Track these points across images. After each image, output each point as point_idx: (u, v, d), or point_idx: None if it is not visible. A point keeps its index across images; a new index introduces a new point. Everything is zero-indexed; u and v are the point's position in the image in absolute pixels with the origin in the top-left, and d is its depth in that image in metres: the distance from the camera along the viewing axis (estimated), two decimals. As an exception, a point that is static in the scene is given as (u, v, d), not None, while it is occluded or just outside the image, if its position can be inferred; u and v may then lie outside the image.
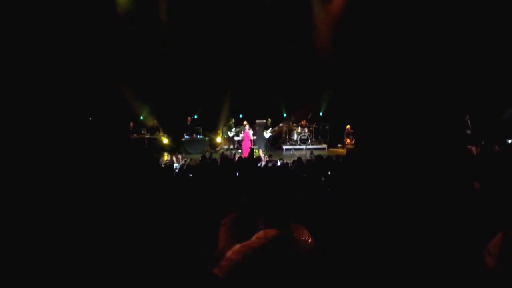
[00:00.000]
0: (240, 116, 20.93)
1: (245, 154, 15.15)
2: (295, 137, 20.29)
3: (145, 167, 8.04)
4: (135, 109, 19.69)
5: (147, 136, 18.73)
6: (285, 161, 10.87)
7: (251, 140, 16.85)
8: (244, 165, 9.42)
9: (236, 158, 11.04)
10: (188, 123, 19.36)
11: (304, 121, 20.43)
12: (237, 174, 8.07)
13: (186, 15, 17.85)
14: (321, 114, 21.28)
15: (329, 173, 8.05)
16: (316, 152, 13.61)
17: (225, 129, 20.06)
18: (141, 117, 20.25)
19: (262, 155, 13.75)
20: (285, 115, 21.84)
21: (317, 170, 8.23)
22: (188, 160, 12.14)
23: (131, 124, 18.78)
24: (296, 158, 10.57)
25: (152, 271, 2.08)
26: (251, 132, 17.23)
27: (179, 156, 13.06)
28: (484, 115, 14.35)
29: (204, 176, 7.52)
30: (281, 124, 20.38)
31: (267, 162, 11.41)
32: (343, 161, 10.01)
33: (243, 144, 16.54)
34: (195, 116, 20.72)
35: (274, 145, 20.34)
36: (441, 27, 14.98)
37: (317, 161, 9.72)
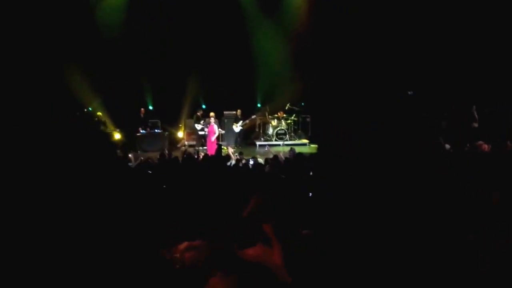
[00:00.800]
0: (203, 107, 21.08)
1: (211, 151, 15.21)
2: (270, 131, 20.39)
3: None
4: (83, 99, 19.66)
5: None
6: (258, 160, 11.07)
7: (218, 135, 17.39)
8: (210, 165, 9.38)
9: (201, 156, 11.13)
10: (142, 115, 19.39)
11: (281, 112, 20.50)
12: (202, 175, 7.96)
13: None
14: (302, 104, 21.38)
15: (310, 173, 8.08)
16: (296, 149, 13.62)
17: (190, 122, 20.09)
18: (89, 109, 20.26)
19: (231, 152, 13.81)
20: (259, 105, 22.16)
21: (297, 170, 8.26)
22: (142, 159, 12.06)
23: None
24: (271, 156, 10.80)
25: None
26: (217, 126, 17.28)
27: (130, 156, 12.96)
28: (493, 107, 14.98)
29: (163, 178, 7.56)
30: (253, 116, 20.39)
31: (237, 160, 11.42)
32: (323, 158, 10.00)
33: (208, 140, 16.61)
34: (150, 107, 20.97)
35: (245, 140, 20.46)
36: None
37: (296, 159, 9.64)
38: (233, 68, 20.74)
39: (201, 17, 19.63)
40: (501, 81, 15.00)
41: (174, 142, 20.09)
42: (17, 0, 14.08)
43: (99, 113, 19.42)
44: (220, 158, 11.03)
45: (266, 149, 17.95)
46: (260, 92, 22.16)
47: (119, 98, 19.53)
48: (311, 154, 11.16)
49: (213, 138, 16.51)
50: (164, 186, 6.85)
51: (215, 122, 16.93)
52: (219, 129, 17.82)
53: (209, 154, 12.57)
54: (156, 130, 19.42)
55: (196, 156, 11.72)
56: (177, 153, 13.82)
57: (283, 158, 10.76)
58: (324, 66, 19.87)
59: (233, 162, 11.31)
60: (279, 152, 15.62)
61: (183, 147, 18.73)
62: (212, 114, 18.18)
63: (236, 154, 13.69)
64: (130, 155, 12.63)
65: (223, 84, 21.17)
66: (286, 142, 19.66)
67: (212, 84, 21.08)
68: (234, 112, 20.28)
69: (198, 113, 19.54)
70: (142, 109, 19.59)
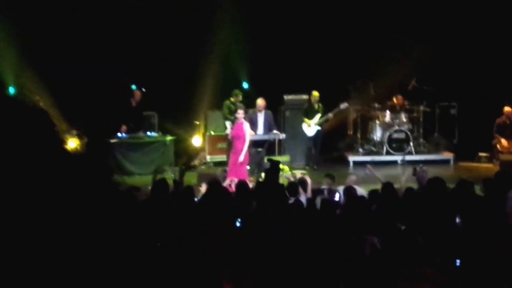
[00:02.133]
0: (245, 86, 21.86)
1: (238, 174, 16.01)
2: (378, 134, 21.29)
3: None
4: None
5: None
6: (357, 190, 11.65)
7: (250, 142, 17.45)
8: (259, 207, 10.53)
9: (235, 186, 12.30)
10: (134, 102, 20.44)
11: (399, 97, 21.21)
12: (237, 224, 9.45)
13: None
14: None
15: (457, 220, 9.18)
16: (430, 171, 13.86)
17: (216, 116, 20.79)
18: (11, 90, 20.93)
19: (301, 177, 14.06)
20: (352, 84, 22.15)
21: (433, 212, 9.28)
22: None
23: None
24: (381, 185, 11.61)
25: None
26: (248, 127, 17.25)
27: None
28: None
29: (160, 234, 8.41)
30: (343, 106, 20.66)
31: (315, 192, 12.05)
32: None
33: (233, 152, 17.08)
34: (133, 86, 21.65)
35: (326, 153, 21.19)
36: None
37: (430, 192, 10.45)
38: (300, 17, 22.00)
39: None
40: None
41: (185, 156, 20.32)
42: None
43: (36, 98, 19.36)
44: (277, 187, 11.58)
45: (368, 171, 17.47)
46: (355, 59, 22.13)
47: (80, 66, 21.03)
48: (462, 182, 11.47)
49: (245, 149, 16.85)
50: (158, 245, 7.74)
51: (244, 118, 17.13)
52: (272, 133, 18.73)
53: (240, 181, 13.30)
54: (149, 133, 19.75)
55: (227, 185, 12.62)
56: (191, 179, 14.69)
57: (403, 190, 11.42)
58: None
59: (307, 195, 11.87)
60: (395, 176, 15.92)
61: (201, 166, 19.06)
62: (260, 101, 19.27)
63: (302, 176, 14.36)
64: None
65: (283, 44, 21.85)
66: (409, 158, 19.91)
67: (262, 45, 21.93)
68: (305, 97, 20.76)
69: (233, 98, 20.09)
70: (137, 91, 20.82)
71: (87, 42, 21.54)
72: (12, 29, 20.57)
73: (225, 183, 14.32)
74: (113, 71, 21.46)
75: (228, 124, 19.79)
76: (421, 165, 14.73)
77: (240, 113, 17.09)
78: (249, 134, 16.95)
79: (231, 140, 17.50)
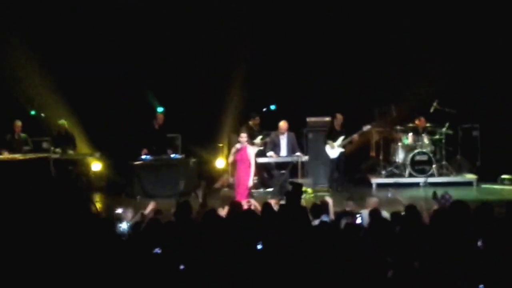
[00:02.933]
0: (272, 108, 21.92)
1: (241, 195, 16.15)
2: (400, 156, 21.16)
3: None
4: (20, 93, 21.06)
5: (56, 156, 19.73)
6: (380, 214, 11.42)
7: (254, 166, 17.36)
8: (281, 225, 10.43)
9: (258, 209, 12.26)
10: (157, 125, 20.39)
11: (421, 119, 21.05)
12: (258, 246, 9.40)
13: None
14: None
15: (479, 243, 9.03)
16: (452, 193, 13.60)
17: (235, 137, 20.26)
18: (32, 112, 21.38)
19: (324, 200, 13.68)
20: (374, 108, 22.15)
21: (458, 237, 9.07)
22: (150, 210, 12.55)
23: (17, 125, 19.87)
24: (404, 208, 11.35)
25: None
26: (253, 151, 17.26)
27: (120, 211, 13.01)
28: None
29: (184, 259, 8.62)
30: (366, 128, 20.55)
31: (339, 215, 11.87)
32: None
33: (237, 175, 17.04)
34: (160, 109, 21.53)
35: (349, 175, 21.26)
36: None
37: (455, 215, 10.17)
38: (323, 40, 22.01)
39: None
40: None
41: (208, 178, 20.19)
42: None
43: (62, 122, 20.16)
44: (299, 212, 11.45)
45: (390, 194, 17.73)
46: (377, 81, 22.13)
47: (103, 89, 21.43)
48: (485, 205, 10.99)
49: (252, 173, 16.96)
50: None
51: (248, 142, 17.12)
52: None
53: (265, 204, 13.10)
54: (173, 156, 19.76)
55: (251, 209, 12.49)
56: (214, 201, 14.59)
57: (426, 213, 11.28)
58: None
59: (329, 216, 11.91)
60: (418, 199, 15.82)
61: (224, 189, 18.85)
62: (283, 124, 19.14)
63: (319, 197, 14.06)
64: (119, 210, 12.77)
65: (307, 67, 21.85)
66: (432, 180, 19.96)
67: (286, 68, 22.07)
68: (327, 119, 20.55)
69: (251, 122, 20.51)
70: (160, 114, 20.67)
71: (111, 64, 21.63)
72: (37, 53, 20.88)
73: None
74: (137, 93, 21.46)
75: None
76: (448, 194, 14.63)
77: (243, 137, 16.98)
78: (253, 158, 16.93)
79: (235, 164, 17.39)
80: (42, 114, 21.28)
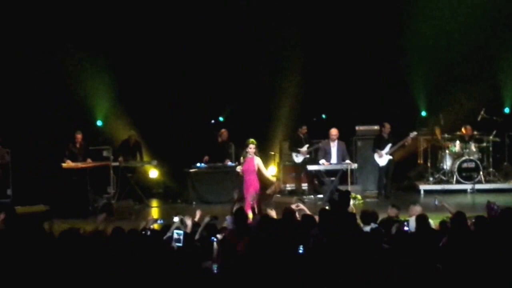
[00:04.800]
0: (323, 116, 22.05)
1: (248, 205, 15.63)
2: (447, 163, 20.94)
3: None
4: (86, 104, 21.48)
5: (116, 164, 20.07)
6: (427, 221, 11.14)
7: (259, 176, 16.99)
8: (327, 230, 10.23)
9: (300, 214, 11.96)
10: (220, 139, 20.64)
11: (468, 127, 20.91)
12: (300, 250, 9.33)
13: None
14: (507, 110, 21.88)
15: None
16: (500, 200, 13.79)
17: (286, 145, 20.82)
18: (99, 123, 21.87)
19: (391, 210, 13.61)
20: (423, 114, 22.39)
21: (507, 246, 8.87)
22: (208, 220, 12.25)
23: (78, 137, 19.71)
24: (451, 214, 11.25)
25: None
26: (260, 162, 16.83)
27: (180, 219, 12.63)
28: None
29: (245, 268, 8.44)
30: (413, 135, 20.33)
31: (386, 222, 11.85)
32: None
33: (245, 186, 16.60)
34: (220, 118, 22.03)
35: (398, 182, 21.22)
36: None
37: (503, 223, 10.16)
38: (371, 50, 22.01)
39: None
40: None
41: (260, 185, 19.80)
42: None
43: (132, 133, 20.44)
44: (348, 218, 11.41)
45: (436, 202, 17.26)
46: (424, 91, 22.33)
47: (167, 101, 21.84)
48: None
49: (252, 182, 16.42)
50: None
51: (255, 153, 16.60)
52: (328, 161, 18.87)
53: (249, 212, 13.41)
54: (227, 163, 20.00)
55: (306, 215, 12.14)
56: (265, 207, 14.45)
57: (477, 220, 10.86)
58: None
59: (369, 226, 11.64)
60: (464, 206, 15.69)
61: (277, 195, 18.85)
62: (334, 131, 19.07)
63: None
64: (181, 218, 12.42)
65: (355, 76, 22.10)
66: (479, 186, 19.92)
67: (335, 77, 22.13)
68: (376, 127, 20.67)
69: (300, 132, 20.45)
70: (224, 130, 20.74)
71: (173, 78, 22.05)
72: (102, 66, 21.35)
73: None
74: (195, 104, 21.79)
75: (294, 155, 20.24)
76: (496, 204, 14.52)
77: (252, 148, 16.61)
78: (261, 168, 16.62)
79: (242, 174, 16.84)
80: (99, 122, 21.76)
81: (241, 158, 16.70)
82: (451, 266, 8.29)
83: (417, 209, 12.77)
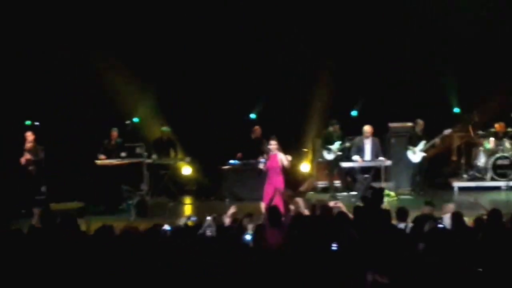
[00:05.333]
0: (354, 114, 22.25)
1: (266, 200, 15.77)
2: (482, 160, 20.87)
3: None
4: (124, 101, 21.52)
5: (150, 161, 20.23)
6: (463, 218, 11.15)
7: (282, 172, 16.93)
8: (361, 227, 10.20)
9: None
10: (253, 136, 20.74)
11: (502, 124, 20.92)
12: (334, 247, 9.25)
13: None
14: None
15: None
16: None
17: (319, 142, 20.78)
18: (135, 120, 22.03)
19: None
20: (456, 110, 22.34)
21: None
22: (231, 214, 12.67)
23: (114, 134, 20.05)
24: (485, 211, 11.37)
25: None
26: (284, 158, 16.74)
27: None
28: None
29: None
30: (447, 132, 20.49)
31: (420, 219, 11.64)
32: None
33: (269, 182, 16.53)
34: (252, 115, 22.50)
35: (430, 179, 21.05)
36: None
37: None
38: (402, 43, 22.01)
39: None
40: None
41: (294, 182, 20.04)
42: None
43: (165, 128, 20.75)
44: (382, 215, 11.34)
45: (472, 200, 17.43)
46: (458, 87, 22.20)
47: (200, 99, 21.94)
48: None
49: (276, 179, 16.50)
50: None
51: (278, 149, 16.54)
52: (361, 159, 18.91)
53: (270, 209, 12.94)
54: (260, 160, 19.20)
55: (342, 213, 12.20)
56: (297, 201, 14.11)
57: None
58: None
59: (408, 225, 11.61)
60: (499, 203, 15.67)
61: (310, 192, 19.33)
62: (368, 128, 19.37)
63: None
64: (214, 217, 12.56)
65: (389, 73, 22.03)
66: None
67: (367, 74, 22.11)
68: (409, 124, 20.67)
69: (331, 128, 20.39)
70: (257, 127, 20.87)
71: (207, 74, 22.13)
72: (133, 61, 21.50)
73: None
74: (227, 101, 21.88)
75: (325, 152, 20.18)
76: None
77: (273, 145, 16.63)
78: (285, 163, 16.53)
79: (266, 172, 16.80)
80: (136, 119, 21.88)
81: (264, 155, 16.74)
82: (487, 263, 8.16)
83: (450, 207, 12.69)
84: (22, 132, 18.57)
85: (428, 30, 21.70)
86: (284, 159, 16.50)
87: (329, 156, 19.92)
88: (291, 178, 20.10)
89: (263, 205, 15.46)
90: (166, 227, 11.74)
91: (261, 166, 16.80)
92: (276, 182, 16.30)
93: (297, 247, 9.35)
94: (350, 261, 8.45)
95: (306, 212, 12.66)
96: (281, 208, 14.29)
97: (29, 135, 18.31)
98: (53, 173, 19.33)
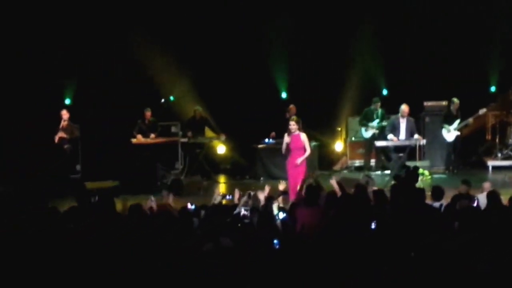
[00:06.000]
0: (385, 93, 22.37)
1: (293, 187, 15.44)
2: None
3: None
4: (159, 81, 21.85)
5: (184, 140, 20.46)
6: (499, 197, 11.03)
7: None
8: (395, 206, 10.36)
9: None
10: (288, 115, 19.82)
11: None
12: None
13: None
14: None
15: None
16: None
17: (357, 121, 20.75)
18: (171, 98, 22.33)
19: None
20: (493, 89, 22.38)
21: None
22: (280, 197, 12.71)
23: (147, 114, 20.21)
24: None
25: None
26: (306, 138, 16.32)
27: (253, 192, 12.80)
28: None
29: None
30: (482, 111, 20.29)
31: (455, 198, 11.44)
32: None
33: (290, 162, 16.30)
34: (283, 95, 22.11)
35: (465, 157, 21.15)
36: None
37: None
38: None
39: None
40: None
41: (327, 161, 20.80)
42: None
43: (197, 108, 20.61)
44: (416, 194, 11.21)
45: (507, 178, 17.72)
46: (494, 66, 22.03)
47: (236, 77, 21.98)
48: None
49: (300, 160, 16.08)
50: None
51: (298, 129, 16.24)
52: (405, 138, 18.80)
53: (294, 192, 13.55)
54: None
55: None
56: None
57: None
58: None
59: (441, 202, 11.43)
60: None
61: (343, 171, 19.63)
62: (405, 107, 19.10)
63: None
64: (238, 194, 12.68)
65: (424, 51, 21.86)
66: None
67: (402, 53, 21.97)
68: (444, 103, 20.59)
69: (373, 106, 20.36)
70: (292, 106, 20.40)
71: (239, 53, 22.10)
72: (169, 40, 21.63)
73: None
74: (262, 80, 21.95)
75: (363, 129, 20.22)
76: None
77: (293, 125, 16.24)
78: (308, 144, 16.28)
79: (289, 152, 16.40)
80: (172, 98, 22.15)
81: (285, 136, 16.36)
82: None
83: (488, 185, 12.62)
84: (59, 111, 18.95)
85: (467, 5, 21.44)
86: (306, 139, 16.27)
87: (366, 134, 19.85)
88: (325, 157, 20.86)
89: (283, 185, 14.70)
90: (189, 205, 11.82)
91: (284, 150, 16.48)
92: (295, 166, 16.05)
93: (337, 227, 9.33)
94: (387, 240, 8.47)
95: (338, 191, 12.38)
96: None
97: (65, 114, 18.62)
98: (89, 151, 19.57)
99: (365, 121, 20.05)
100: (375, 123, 19.86)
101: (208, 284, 7.28)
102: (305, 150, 16.05)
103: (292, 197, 14.33)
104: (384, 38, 21.72)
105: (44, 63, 20.79)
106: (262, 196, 12.60)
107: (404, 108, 18.73)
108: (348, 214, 9.94)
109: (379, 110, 20.01)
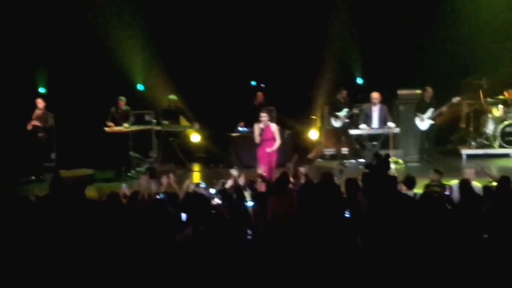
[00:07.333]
0: (360, 81, 22.59)
1: (269, 174, 15.71)
2: (490, 127, 20.74)
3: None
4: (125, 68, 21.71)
5: (158, 128, 20.36)
6: (471, 186, 11.15)
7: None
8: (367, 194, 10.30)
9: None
10: (256, 103, 20.49)
11: (511, 91, 20.74)
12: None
13: None
14: None
15: None
16: None
17: (327, 109, 20.81)
18: (139, 87, 22.31)
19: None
20: (466, 78, 21.83)
21: None
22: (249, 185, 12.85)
23: (121, 103, 19.83)
24: (493, 179, 11.58)
25: None
26: (277, 129, 16.80)
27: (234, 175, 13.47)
28: None
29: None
30: (455, 100, 20.30)
31: (426, 186, 11.57)
32: None
33: (260, 150, 16.71)
34: (253, 82, 22.64)
35: (439, 145, 21.21)
36: None
37: None
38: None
39: None
40: None
41: (302, 149, 20.55)
42: None
43: (171, 97, 20.50)
44: (388, 182, 11.03)
45: (478, 168, 17.10)
46: (467, 54, 21.95)
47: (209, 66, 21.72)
48: None
49: (269, 150, 16.53)
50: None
51: (269, 119, 16.60)
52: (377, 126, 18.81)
53: (268, 182, 13.37)
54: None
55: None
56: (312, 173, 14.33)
57: None
58: None
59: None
60: (507, 170, 15.52)
61: (318, 159, 19.26)
62: (376, 94, 19.20)
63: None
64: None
65: (396, 40, 21.71)
66: None
67: (375, 41, 21.89)
68: (418, 92, 20.51)
69: (340, 96, 20.35)
70: (260, 93, 20.71)
71: (210, 41, 21.92)
72: (141, 30, 21.60)
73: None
74: (234, 68, 21.77)
75: (332, 119, 20.14)
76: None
77: (264, 117, 16.63)
78: (278, 135, 16.63)
79: (260, 144, 16.80)
80: (142, 86, 22.10)
81: (255, 127, 16.61)
82: (497, 231, 8.24)
83: (470, 172, 12.78)
84: (33, 99, 18.83)
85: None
86: (276, 130, 16.55)
87: (336, 124, 19.80)
88: (300, 145, 20.79)
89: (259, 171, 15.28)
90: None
91: (257, 139, 16.70)
92: (271, 153, 16.45)
93: (310, 215, 9.44)
94: (362, 227, 8.65)
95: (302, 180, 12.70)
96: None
97: (40, 102, 18.47)
98: (63, 140, 19.50)
99: (334, 111, 20.08)
100: (343, 112, 19.85)
101: (186, 272, 7.44)
102: (275, 140, 16.26)
103: (261, 187, 14.20)
104: (360, 26, 21.60)
105: (14, 51, 20.62)
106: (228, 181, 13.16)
107: (375, 95, 18.81)
108: (315, 203, 10.01)
109: (347, 99, 20.13)
